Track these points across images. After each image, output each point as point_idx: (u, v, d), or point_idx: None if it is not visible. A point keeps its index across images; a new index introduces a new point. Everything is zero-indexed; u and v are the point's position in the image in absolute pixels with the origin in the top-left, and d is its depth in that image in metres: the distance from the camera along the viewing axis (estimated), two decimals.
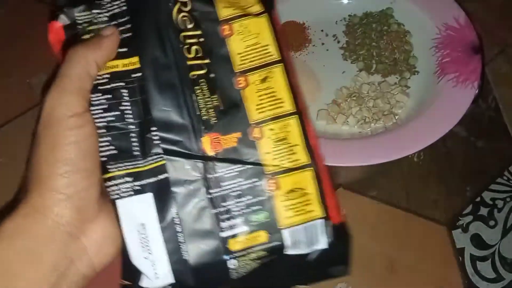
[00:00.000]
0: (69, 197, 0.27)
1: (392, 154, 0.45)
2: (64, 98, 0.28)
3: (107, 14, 0.32)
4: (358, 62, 0.54)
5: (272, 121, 0.32)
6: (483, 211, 0.56)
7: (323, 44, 0.56)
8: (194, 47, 0.32)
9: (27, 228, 0.27)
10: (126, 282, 0.31)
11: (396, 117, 0.50)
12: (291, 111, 0.32)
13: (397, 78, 0.53)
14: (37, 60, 0.63)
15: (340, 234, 0.33)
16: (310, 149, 0.32)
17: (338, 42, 0.56)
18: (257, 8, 0.33)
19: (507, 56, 0.66)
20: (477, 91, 0.48)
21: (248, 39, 0.32)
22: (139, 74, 0.31)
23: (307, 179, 0.32)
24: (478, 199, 0.57)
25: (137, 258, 0.30)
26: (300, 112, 0.33)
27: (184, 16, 0.32)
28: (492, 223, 0.55)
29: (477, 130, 0.61)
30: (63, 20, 0.33)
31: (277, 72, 0.32)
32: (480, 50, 0.50)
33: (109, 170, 0.30)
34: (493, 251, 0.54)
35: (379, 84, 0.52)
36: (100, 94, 0.31)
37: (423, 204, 0.56)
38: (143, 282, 0.30)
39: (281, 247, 0.31)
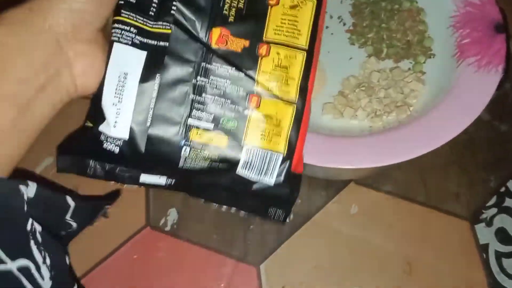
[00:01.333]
0: (73, 11, 0.29)
1: (407, 153, 0.40)
2: None
3: None
4: (367, 46, 0.48)
5: (283, 46, 0.33)
6: (509, 202, 0.52)
7: (327, 27, 0.50)
8: None
9: (28, 22, 0.28)
10: (90, 124, 0.32)
11: (411, 109, 0.45)
12: (303, 46, 0.33)
13: (410, 63, 0.47)
14: None
15: (290, 179, 0.33)
16: (304, 89, 0.33)
17: (344, 24, 0.50)
18: None
19: None
20: (502, 76, 0.42)
21: None
22: None
23: (287, 113, 0.33)
24: (503, 189, 0.52)
25: (107, 102, 0.31)
26: (311, 51, 0.33)
27: None
28: None
29: (501, 112, 0.56)
30: None
31: (308, 6, 0.33)
32: (504, 29, 0.44)
33: (122, 14, 0.32)
34: None
35: (390, 71, 0.47)
36: None
37: (442, 198, 0.52)
38: (102, 126, 0.32)
39: (233, 161, 0.33)
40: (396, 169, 0.53)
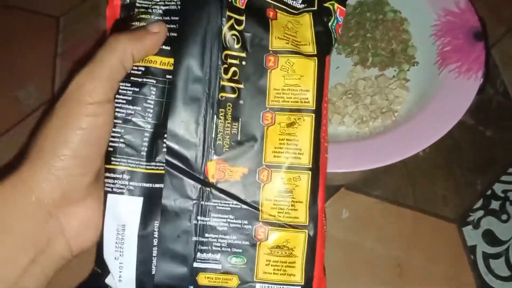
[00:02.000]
0: (59, 179, 0.27)
1: (393, 157, 0.42)
2: (91, 83, 0.28)
3: (162, 8, 0.31)
4: (353, 55, 0.51)
5: (285, 170, 0.31)
6: (495, 204, 0.53)
7: None
8: (233, 69, 0.31)
9: (11, 200, 0.27)
10: (98, 270, 0.31)
11: (396, 114, 0.47)
12: (307, 166, 0.31)
13: (395, 70, 0.49)
14: (24, 72, 0.61)
15: None
16: (314, 211, 0.31)
17: None
18: (310, 49, 0.32)
19: None
20: (481, 81, 0.44)
21: (289, 78, 0.31)
22: (171, 77, 0.30)
23: (299, 240, 0.31)
24: (489, 192, 0.54)
25: (109, 255, 0.30)
26: (316, 169, 0.31)
27: (234, 34, 0.31)
28: (504, 217, 0.52)
29: (486, 118, 0.57)
30: None
31: (307, 122, 0.31)
32: (483, 36, 0.46)
33: (112, 162, 0.30)
34: (506, 247, 0.51)
35: (376, 79, 0.49)
36: (129, 85, 0.30)
37: (430, 201, 0.53)
38: (108, 279, 0.30)
39: None
40: (385, 174, 0.54)
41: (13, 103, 0.59)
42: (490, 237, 0.52)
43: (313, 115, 0.31)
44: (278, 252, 0.30)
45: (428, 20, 0.50)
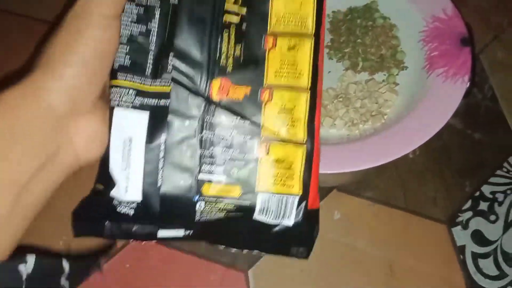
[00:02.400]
0: (70, 87, 0.28)
1: (382, 157, 0.43)
2: None
3: None
4: (344, 60, 0.52)
5: (285, 89, 0.32)
6: (483, 205, 0.54)
7: None
8: None
9: (23, 105, 0.27)
10: (101, 186, 0.32)
11: (385, 117, 0.48)
12: (305, 86, 0.32)
13: (384, 75, 0.51)
14: (18, 77, 0.62)
15: (309, 218, 0.33)
16: (311, 129, 0.32)
17: None
18: None
19: (502, 42, 0.64)
20: (468, 86, 0.46)
21: (291, 4, 0.32)
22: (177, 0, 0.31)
23: (297, 154, 0.32)
24: (477, 193, 0.55)
25: (115, 168, 0.31)
26: (314, 90, 0.32)
27: None
28: (492, 217, 0.54)
29: (474, 121, 0.59)
30: None
31: (306, 45, 0.32)
32: (469, 42, 0.47)
33: (118, 77, 0.31)
34: (495, 247, 0.52)
35: (366, 83, 0.50)
36: (134, 5, 0.31)
37: (420, 202, 0.55)
38: (114, 191, 0.31)
39: (250, 209, 0.32)
40: (376, 176, 0.56)
41: None
42: (478, 237, 0.53)
43: (313, 39, 0.32)
44: (278, 165, 0.32)
45: (417, 26, 0.51)
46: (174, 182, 0.31)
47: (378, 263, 0.51)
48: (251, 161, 0.32)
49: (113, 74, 0.31)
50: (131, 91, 0.31)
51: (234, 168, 0.32)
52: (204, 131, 0.32)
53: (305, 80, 0.32)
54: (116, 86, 0.31)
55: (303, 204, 0.33)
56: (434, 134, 0.44)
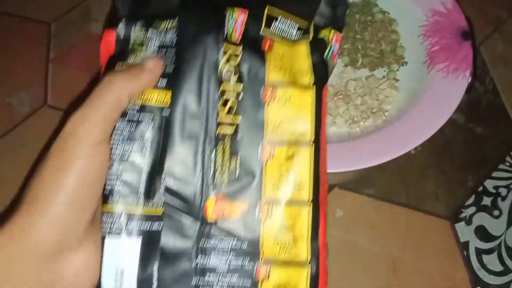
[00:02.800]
0: (56, 225, 0.27)
1: (384, 155, 0.42)
2: (87, 124, 0.27)
3: (158, 42, 0.30)
4: (343, 57, 0.51)
5: (285, 204, 0.30)
6: (486, 200, 0.54)
7: None
8: (230, 103, 0.30)
9: (9, 247, 0.26)
10: None
11: (386, 114, 0.47)
12: (306, 200, 0.30)
13: (385, 71, 0.50)
14: (17, 78, 0.62)
15: None
16: (315, 247, 0.30)
17: None
18: (307, 79, 0.31)
19: (502, 34, 0.63)
20: (469, 80, 0.45)
21: (287, 110, 0.30)
22: (168, 113, 0.29)
23: (301, 277, 0.30)
24: (481, 188, 0.54)
25: None
26: (316, 203, 0.30)
27: (230, 68, 0.30)
28: (496, 213, 0.53)
29: (476, 115, 0.58)
30: (119, 31, 0.31)
31: (305, 155, 0.30)
32: (470, 36, 0.47)
33: (109, 204, 0.29)
34: (499, 243, 0.52)
35: (366, 79, 0.50)
36: (125, 123, 0.29)
37: (423, 199, 0.54)
38: None
39: None
40: (377, 173, 0.55)
41: (5, 110, 0.59)
42: (482, 233, 0.52)
43: (312, 147, 0.30)
44: None
45: (416, 20, 0.50)
46: None
47: (381, 260, 0.51)
48: (251, 287, 0.29)
49: (104, 199, 0.29)
50: (123, 216, 0.29)
51: None
52: (199, 256, 0.29)
53: (306, 193, 0.30)
54: (108, 212, 0.29)
55: None
56: (436, 130, 0.43)
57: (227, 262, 0.29)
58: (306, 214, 0.30)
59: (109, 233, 0.29)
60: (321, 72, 0.32)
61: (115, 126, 0.29)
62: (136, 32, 0.31)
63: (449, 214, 0.53)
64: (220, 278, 0.29)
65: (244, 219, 0.29)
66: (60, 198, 0.27)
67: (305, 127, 0.30)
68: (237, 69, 0.31)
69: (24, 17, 0.66)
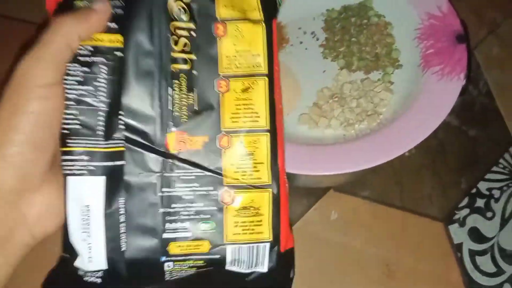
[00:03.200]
0: (15, 165, 0.27)
1: (379, 158, 0.43)
2: (37, 67, 0.27)
3: None
4: (339, 59, 0.51)
5: (244, 134, 0.31)
6: (480, 202, 0.54)
7: (301, 43, 0.53)
8: (182, 40, 0.31)
9: None
10: (66, 255, 0.31)
11: (381, 117, 0.47)
12: (264, 128, 0.32)
13: (380, 74, 0.50)
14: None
15: (284, 260, 0.32)
16: (275, 170, 0.32)
17: (317, 39, 0.53)
18: (256, 14, 0.32)
19: (497, 37, 0.63)
20: (464, 83, 0.45)
21: (240, 44, 0.32)
22: (121, 53, 0.30)
23: (263, 199, 0.31)
24: (474, 190, 0.55)
25: (75, 238, 0.30)
26: (273, 130, 0.32)
27: (180, 6, 0.31)
28: (489, 214, 0.54)
29: (469, 118, 0.59)
30: None
31: (260, 85, 0.32)
32: (465, 39, 0.47)
33: (68, 144, 0.29)
34: (492, 244, 0.52)
35: (361, 82, 0.50)
36: (78, 65, 0.29)
37: (417, 201, 0.55)
38: (78, 262, 0.30)
39: (221, 261, 0.31)
40: (372, 175, 0.55)
41: None
42: (476, 235, 0.53)
43: (266, 78, 0.32)
44: (245, 213, 0.31)
45: (412, 23, 0.50)
46: (138, 246, 0.30)
47: (375, 262, 0.51)
48: (217, 212, 0.31)
49: (62, 141, 0.30)
50: (83, 156, 0.29)
51: (200, 223, 0.31)
52: (164, 188, 0.30)
53: (264, 121, 0.32)
54: (67, 153, 0.29)
55: (275, 248, 0.32)
56: (430, 133, 0.43)
57: (192, 190, 0.30)
58: (264, 141, 0.31)
59: (71, 172, 0.29)
60: (269, 6, 0.33)
61: (67, 69, 0.29)
62: None
63: (443, 216, 0.54)
64: (186, 205, 0.30)
65: (206, 150, 0.31)
66: (16, 140, 0.27)
67: (258, 59, 0.32)
68: (188, 6, 0.31)
69: (26, 21, 0.66)
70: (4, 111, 0.27)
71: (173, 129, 0.30)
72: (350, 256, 0.52)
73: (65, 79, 0.29)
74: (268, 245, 0.32)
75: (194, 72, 0.31)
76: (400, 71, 0.50)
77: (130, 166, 0.30)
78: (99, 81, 0.30)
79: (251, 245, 0.31)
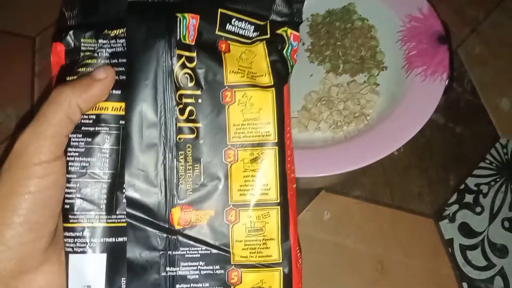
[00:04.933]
0: (12, 248, 0.26)
1: (367, 158, 0.44)
2: (36, 143, 0.26)
3: (109, 50, 0.29)
4: (325, 63, 0.53)
5: (252, 207, 0.29)
6: (468, 198, 0.55)
7: None
8: (189, 108, 0.30)
9: None
10: None
11: (368, 118, 0.49)
12: (275, 201, 0.30)
13: (365, 76, 0.51)
14: (3, 94, 0.62)
15: None
16: (286, 247, 0.30)
17: (303, 44, 0.54)
18: (266, 79, 0.31)
19: (479, 35, 0.65)
20: (447, 83, 0.47)
21: (248, 112, 0.30)
22: (124, 123, 0.28)
23: (274, 279, 0.29)
24: (462, 186, 0.56)
25: None
26: (285, 203, 0.30)
27: (186, 72, 0.30)
28: (478, 209, 0.55)
29: (455, 115, 0.60)
30: (68, 43, 0.30)
31: (270, 155, 0.30)
32: (446, 40, 0.48)
33: (70, 220, 0.28)
34: (482, 238, 0.53)
35: (347, 85, 0.51)
36: (80, 136, 0.28)
37: (407, 198, 0.56)
38: None
39: None
40: (363, 175, 0.57)
41: None
42: (466, 230, 0.54)
43: (276, 147, 0.30)
44: None
45: (394, 26, 0.52)
46: None
47: (368, 260, 0.52)
48: None
49: (65, 216, 0.28)
50: (85, 232, 0.28)
51: None
52: (168, 267, 0.28)
53: (274, 194, 0.30)
54: (69, 229, 0.28)
55: None
56: (416, 132, 0.45)
57: (198, 269, 0.29)
58: (275, 215, 0.30)
59: (72, 250, 0.28)
60: (280, 71, 0.32)
61: (70, 140, 0.28)
62: (86, 42, 0.30)
63: (433, 212, 0.55)
64: (191, 286, 0.29)
65: (212, 225, 0.29)
66: (14, 220, 0.25)
67: (268, 127, 0.30)
68: (194, 73, 0.30)
69: (8, 32, 0.66)
70: (2, 191, 0.26)
71: (178, 202, 0.29)
72: (343, 254, 0.53)
73: (68, 151, 0.28)
74: None
75: (201, 141, 0.29)
76: (385, 73, 0.52)
77: (132, 243, 0.28)
78: (103, 152, 0.28)
79: None
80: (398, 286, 0.51)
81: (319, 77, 0.53)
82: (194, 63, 0.30)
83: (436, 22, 0.49)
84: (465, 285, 0.51)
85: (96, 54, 0.29)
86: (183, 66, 0.30)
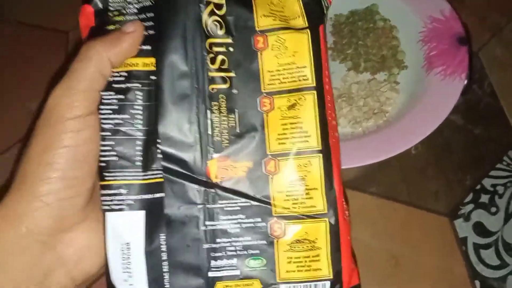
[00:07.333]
0: (49, 205, 0.25)
1: (385, 153, 0.45)
2: (68, 98, 0.26)
3: (136, 6, 0.29)
4: (346, 61, 0.54)
5: (293, 156, 0.28)
6: (484, 198, 0.55)
7: None
8: (220, 57, 0.28)
9: (1, 231, 0.25)
10: None
11: (387, 115, 0.50)
12: (316, 148, 0.28)
13: (385, 74, 0.53)
14: (35, 85, 0.64)
15: None
16: (331, 197, 0.28)
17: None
18: (300, 21, 0.29)
19: (500, 40, 0.65)
20: (465, 83, 0.48)
21: (283, 57, 0.28)
22: (155, 77, 0.28)
23: (320, 231, 0.28)
24: (478, 186, 0.56)
25: (117, 278, 0.27)
26: (327, 151, 0.28)
27: (215, 20, 0.28)
28: (493, 209, 0.55)
29: (474, 117, 0.60)
30: (96, 3, 0.29)
31: (308, 100, 0.28)
32: (466, 41, 0.50)
33: (105, 178, 0.27)
34: (496, 238, 0.54)
35: (368, 82, 0.53)
36: (112, 93, 0.27)
37: (423, 196, 0.56)
38: None
39: None
40: (380, 172, 0.58)
41: (26, 114, 0.61)
42: (480, 229, 0.54)
43: (315, 92, 0.28)
44: (299, 247, 0.28)
45: (416, 27, 0.53)
46: (183, 286, 0.27)
47: (383, 257, 0.53)
48: (266, 247, 0.27)
49: (100, 175, 0.28)
50: (122, 189, 0.27)
51: (248, 259, 0.28)
52: (207, 221, 0.27)
53: (315, 141, 0.28)
54: (106, 187, 0.27)
55: (337, 287, 0.28)
56: (433, 129, 0.46)
57: (238, 223, 0.28)
58: (317, 163, 0.28)
59: (110, 208, 0.27)
60: (315, 10, 0.30)
61: (102, 97, 0.28)
62: (113, 1, 0.29)
63: (448, 211, 0.55)
64: (232, 240, 0.28)
65: (251, 176, 0.28)
66: (50, 175, 0.25)
67: (305, 72, 0.28)
68: (224, 20, 0.29)
69: (42, 27, 0.69)
70: (36, 147, 0.26)
71: (214, 155, 0.28)
72: (358, 248, 0.53)
73: (100, 109, 0.27)
74: (328, 283, 0.28)
75: (234, 91, 0.28)
76: (405, 72, 0.53)
77: (170, 198, 0.27)
78: (135, 108, 0.28)
79: (308, 283, 0.28)
80: (411, 281, 0.52)
81: (340, 74, 0.54)
82: (224, 10, 0.29)
83: (457, 24, 0.51)
84: (477, 283, 0.51)
85: (124, 11, 0.29)
86: (212, 13, 0.28)
